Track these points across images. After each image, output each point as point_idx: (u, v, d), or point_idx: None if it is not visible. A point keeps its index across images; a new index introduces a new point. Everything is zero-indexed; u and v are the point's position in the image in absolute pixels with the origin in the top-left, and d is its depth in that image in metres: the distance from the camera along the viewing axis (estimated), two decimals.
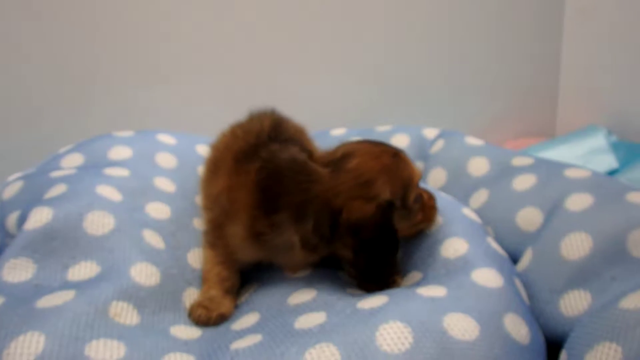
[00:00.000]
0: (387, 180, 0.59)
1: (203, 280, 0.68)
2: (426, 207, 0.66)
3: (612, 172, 1.27)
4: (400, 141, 1.03)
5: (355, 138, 1.05)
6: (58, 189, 0.67)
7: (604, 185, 0.70)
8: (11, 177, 0.75)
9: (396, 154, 0.63)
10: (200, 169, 0.84)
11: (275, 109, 0.80)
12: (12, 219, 0.65)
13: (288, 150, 0.67)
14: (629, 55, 1.42)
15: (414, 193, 0.62)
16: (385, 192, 0.58)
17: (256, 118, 0.78)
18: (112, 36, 1.18)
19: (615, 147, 1.35)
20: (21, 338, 0.46)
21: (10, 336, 0.47)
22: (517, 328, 0.53)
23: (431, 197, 0.67)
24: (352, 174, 0.59)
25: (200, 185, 0.80)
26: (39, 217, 0.60)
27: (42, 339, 0.46)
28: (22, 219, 0.62)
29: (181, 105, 1.27)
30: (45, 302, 0.51)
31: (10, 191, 0.70)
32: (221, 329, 0.61)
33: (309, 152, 0.69)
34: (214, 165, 0.75)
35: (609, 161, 1.30)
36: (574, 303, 0.60)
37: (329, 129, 1.08)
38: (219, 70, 1.28)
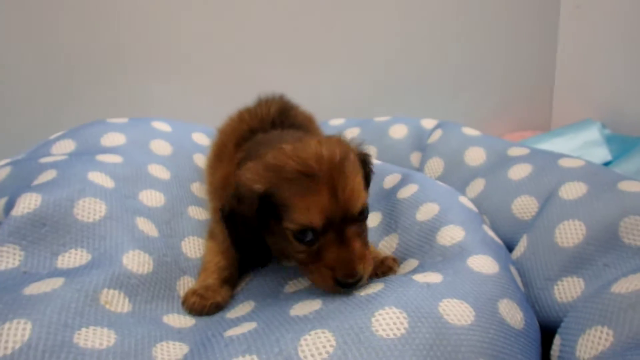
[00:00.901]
0: (275, 181, 0.53)
1: (202, 269, 0.67)
2: (324, 265, 0.53)
3: (605, 165, 1.28)
4: (398, 131, 1.03)
5: (355, 128, 1.06)
6: (48, 175, 0.65)
7: (598, 174, 0.70)
8: None
9: (316, 181, 0.52)
10: (206, 154, 0.83)
11: (284, 95, 0.79)
12: None
13: (284, 134, 0.66)
14: (622, 51, 1.44)
15: (292, 223, 0.53)
16: (262, 185, 0.54)
17: (264, 103, 0.77)
18: (108, 28, 1.16)
19: (609, 140, 1.37)
20: (7, 326, 0.45)
21: None
22: (512, 313, 0.53)
23: (345, 267, 0.53)
24: (275, 153, 0.55)
25: (205, 172, 0.80)
26: (27, 203, 0.59)
27: (28, 326, 0.45)
28: (9, 205, 0.61)
29: (177, 97, 1.26)
30: (33, 289, 0.50)
31: None
32: (215, 317, 0.60)
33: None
34: (220, 150, 0.74)
35: (603, 154, 1.31)
36: (568, 290, 0.61)
37: (327, 119, 1.09)
38: (217, 62, 1.27)
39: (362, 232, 0.56)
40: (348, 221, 0.54)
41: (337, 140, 0.58)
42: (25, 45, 1.11)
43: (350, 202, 0.53)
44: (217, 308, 0.62)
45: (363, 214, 0.56)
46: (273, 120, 0.71)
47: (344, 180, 0.53)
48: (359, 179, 0.55)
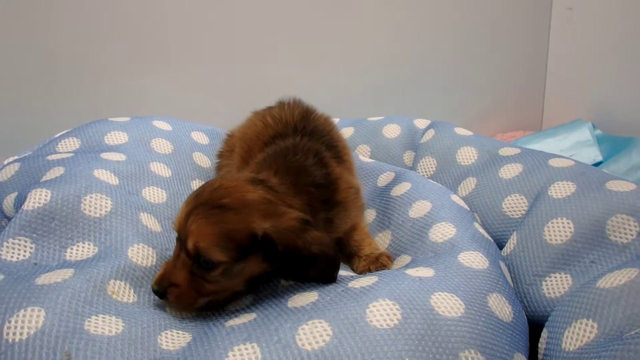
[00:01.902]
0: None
1: None
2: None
3: (596, 165, 1.30)
4: (391, 131, 1.05)
5: (349, 128, 1.08)
6: (56, 172, 0.68)
7: (586, 174, 0.72)
8: (7, 160, 0.75)
9: (189, 200, 0.58)
10: (224, 157, 0.86)
11: (300, 99, 0.82)
12: (9, 200, 0.66)
13: (301, 143, 0.70)
14: (613, 52, 1.46)
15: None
16: None
17: (287, 107, 0.80)
18: (104, 27, 1.18)
19: (600, 141, 1.39)
20: (22, 313, 0.48)
21: (10, 311, 0.48)
22: (501, 307, 0.56)
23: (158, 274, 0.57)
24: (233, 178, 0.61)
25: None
26: (38, 198, 0.61)
27: (42, 313, 0.48)
28: (19, 200, 0.63)
29: (174, 94, 1.27)
30: (45, 279, 0.53)
31: (7, 173, 0.71)
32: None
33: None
34: (247, 155, 0.77)
35: (593, 154, 1.33)
36: (556, 285, 0.63)
37: None
38: (213, 60, 1.29)
39: (199, 276, 0.56)
40: (185, 250, 0.56)
41: (254, 199, 0.57)
42: (21, 45, 1.12)
43: (188, 237, 0.55)
44: None
45: (204, 263, 0.56)
46: (295, 124, 0.74)
47: (196, 216, 0.55)
48: (208, 230, 0.55)
